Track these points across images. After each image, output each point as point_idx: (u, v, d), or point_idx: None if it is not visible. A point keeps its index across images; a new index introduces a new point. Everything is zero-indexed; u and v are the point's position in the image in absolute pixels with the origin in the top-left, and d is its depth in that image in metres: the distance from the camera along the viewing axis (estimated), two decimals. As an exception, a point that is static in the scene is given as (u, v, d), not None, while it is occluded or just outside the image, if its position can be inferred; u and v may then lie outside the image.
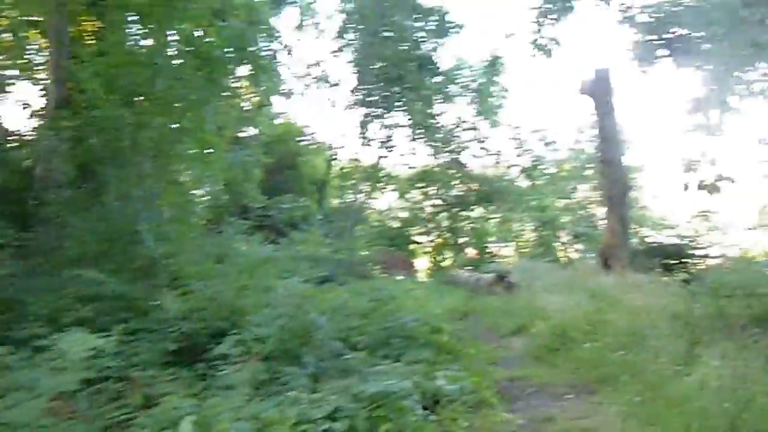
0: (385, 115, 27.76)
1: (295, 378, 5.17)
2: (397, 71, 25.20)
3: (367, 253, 14.38)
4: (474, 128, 30.04)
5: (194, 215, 11.66)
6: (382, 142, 28.62)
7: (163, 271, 7.40)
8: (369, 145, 28.52)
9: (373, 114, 27.48)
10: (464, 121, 30.18)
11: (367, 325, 7.33)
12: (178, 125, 9.53)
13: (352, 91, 26.89)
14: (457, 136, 30.22)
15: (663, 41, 9.74)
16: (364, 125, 27.99)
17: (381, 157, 29.71)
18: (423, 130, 29.27)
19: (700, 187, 5.31)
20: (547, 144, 30.76)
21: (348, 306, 8.16)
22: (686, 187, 5.41)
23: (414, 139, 30.27)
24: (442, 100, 28.41)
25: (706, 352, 6.25)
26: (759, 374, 5.32)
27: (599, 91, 17.99)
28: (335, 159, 28.18)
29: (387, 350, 6.60)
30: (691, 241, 23.20)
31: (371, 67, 25.65)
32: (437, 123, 28.41)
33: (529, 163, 30.62)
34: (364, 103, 26.85)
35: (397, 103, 27.02)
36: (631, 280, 12.84)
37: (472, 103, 29.37)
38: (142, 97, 9.06)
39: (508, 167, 30.89)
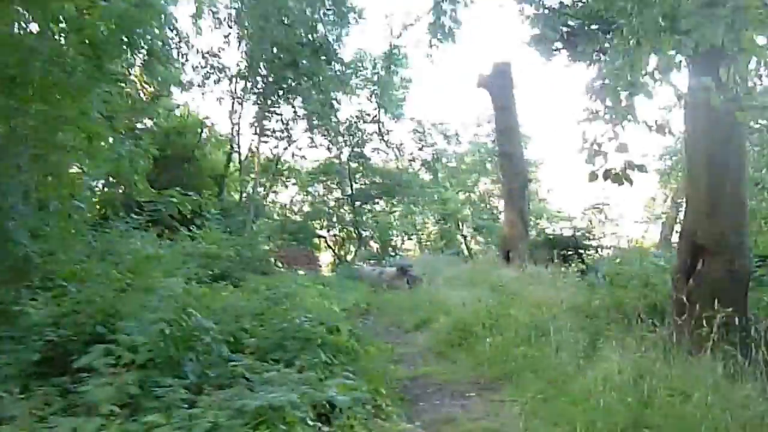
0: (280, 104, 26.96)
1: (172, 391, 4.59)
2: (290, 57, 24.44)
3: (267, 248, 13.56)
4: (376, 121, 29.85)
5: (79, 210, 10.65)
6: (280, 133, 27.88)
7: (36, 271, 6.56)
8: (267, 136, 27.71)
9: (270, 105, 26.61)
10: (366, 114, 29.98)
11: (260, 327, 6.82)
12: (58, 113, 8.58)
13: (245, 79, 25.86)
14: (359, 129, 29.96)
15: (564, 29, 9.80)
16: (260, 116, 27.11)
17: (281, 149, 29.07)
18: (321, 122, 28.80)
19: (607, 176, 5.16)
20: (448, 137, 31.10)
21: (240, 306, 7.61)
22: (593, 177, 5.25)
23: (313, 131, 29.76)
24: (341, 92, 27.99)
25: (607, 345, 6.21)
26: (658, 367, 5.32)
27: (498, 85, 18.20)
28: (235, 152, 27.07)
29: (280, 354, 6.11)
30: (586, 233, 24.28)
31: (264, 55, 24.84)
32: (335, 114, 27.98)
33: (431, 156, 30.87)
34: (260, 92, 25.95)
35: (291, 93, 26.28)
36: (531, 273, 13.01)
37: (374, 95, 29.07)
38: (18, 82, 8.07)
39: (410, 160, 31.01)
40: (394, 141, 30.76)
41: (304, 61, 24.45)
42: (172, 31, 22.27)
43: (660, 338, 6.95)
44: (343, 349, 6.74)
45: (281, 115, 27.57)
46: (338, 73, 26.79)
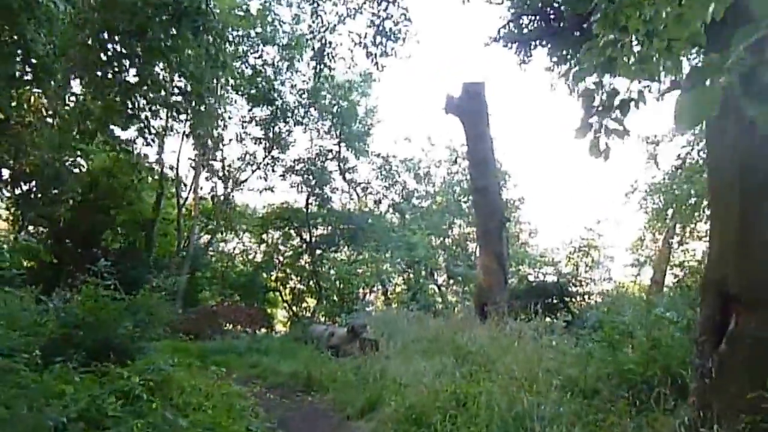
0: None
1: None
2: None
3: (172, 309, 11.47)
4: (338, 158, 28.26)
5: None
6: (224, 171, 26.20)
7: None
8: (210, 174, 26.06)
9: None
10: (327, 150, 28.41)
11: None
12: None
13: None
14: (320, 167, 28.31)
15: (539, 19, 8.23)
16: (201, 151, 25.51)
17: (227, 189, 27.31)
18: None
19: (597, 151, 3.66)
20: (418, 175, 29.55)
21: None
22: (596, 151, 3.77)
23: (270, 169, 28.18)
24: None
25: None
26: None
27: (470, 109, 16.73)
28: (169, 194, 25.18)
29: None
30: (572, 278, 22.84)
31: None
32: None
33: (399, 196, 29.28)
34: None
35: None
36: (510, 330, 11.23)
37: (334, 128, 27.52)
38: None
39: (376, 202, 29.35)
40: (358, 180, 29.28)
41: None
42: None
43: (682, 425, 5.35)
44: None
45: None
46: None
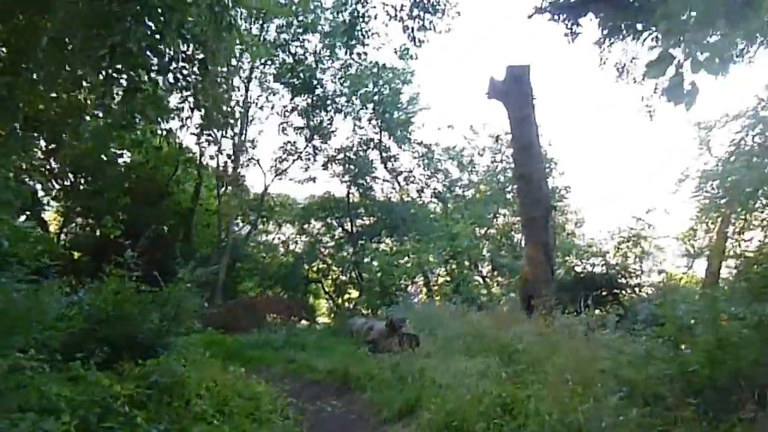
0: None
1: None
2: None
3: (197, 301, 10.93)
4: (380, 147, 27.68)
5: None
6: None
7: None
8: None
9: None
10: (368, 139, 27.86)
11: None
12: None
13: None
14: (361, 157, 27.80)
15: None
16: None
17: (268, 179, 27.11)
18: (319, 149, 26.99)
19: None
20: (461, 164, 28.74)
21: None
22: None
23: (312, 159, 27.82)
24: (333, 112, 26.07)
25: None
26: None
27: (514, 93, 15.90)
28: (220, 185, 25.02)
29: None
30: (621, 270, 21.81)
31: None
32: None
33: (442, 186, 28.55)
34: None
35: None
36: (558, 325, 10.46)
37: (376, 116, 26.90)
38: None
39: (419, 191, 28.69)
40: (400, 169, 28.66)
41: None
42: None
43: None
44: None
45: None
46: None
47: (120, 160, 25.93)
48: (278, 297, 21.25)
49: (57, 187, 25.77)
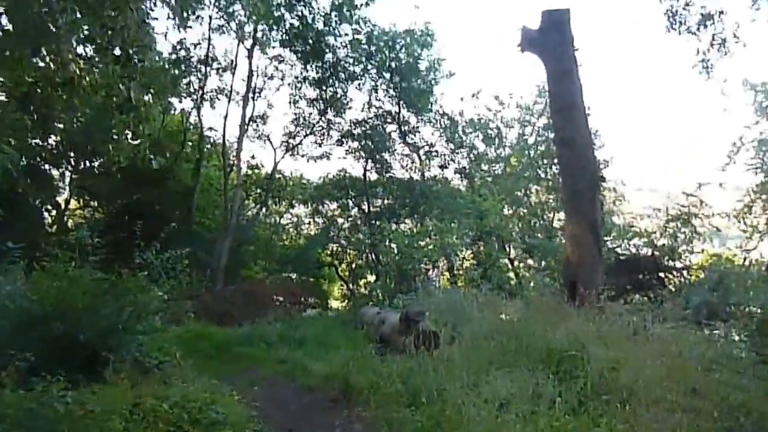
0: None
1: None
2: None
3: (161, 294, 8.71)
4: (398, 119, 25.37)
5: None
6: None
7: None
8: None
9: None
10: (386, 112, 25.57)
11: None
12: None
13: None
14: (379, 131, 25.55)
15: None
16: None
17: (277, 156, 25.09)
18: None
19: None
20: (488, 137, 26.27)
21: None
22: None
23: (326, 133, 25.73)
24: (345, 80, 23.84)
25: None
26: None
27: (552, 42, 13.47)
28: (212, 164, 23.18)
29: None
30: (668, 251, 19.73)
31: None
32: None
33: (467, 160, 26.15)
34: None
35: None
36: (617, 321, 8.22)
37: (393, 86, 24.58)
38: None
39: (441, 167, 26.32)
40: (420, 143, 26.31)
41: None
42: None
43: None
44: None
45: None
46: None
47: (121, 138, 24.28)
48: (284, 282, 19.16)
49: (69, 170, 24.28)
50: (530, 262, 23.18)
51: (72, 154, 23.44)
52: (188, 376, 7.41)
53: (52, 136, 22.71)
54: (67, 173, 24.27)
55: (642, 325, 8.13)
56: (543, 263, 21.35)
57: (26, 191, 22.08)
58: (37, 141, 22.33)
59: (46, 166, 23.46)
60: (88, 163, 24.24)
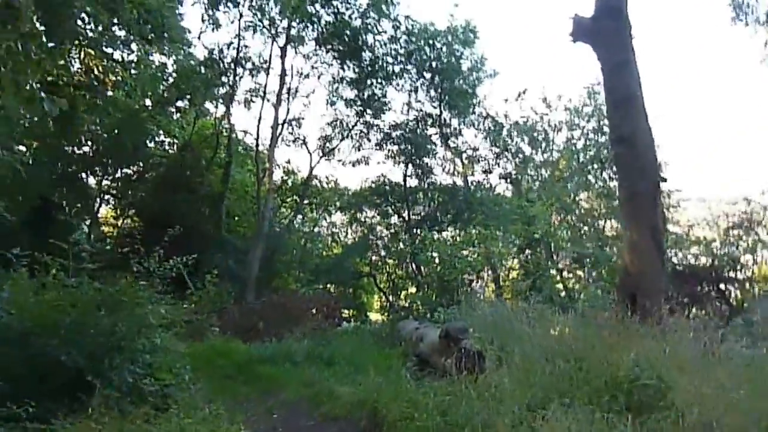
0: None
1: None
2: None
3: (146, 311, 7.68)
4: (439, 121, 24.41)
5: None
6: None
7: None
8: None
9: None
10: (427, 115, 24.66)
11: None
12: None
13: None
14: (419, 134, 24.66)
15: None
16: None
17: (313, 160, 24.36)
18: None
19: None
20: (534, 140, 25.06)
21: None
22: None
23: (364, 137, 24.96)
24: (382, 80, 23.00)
25: None
26: None
27: (607, 30, 12.31)
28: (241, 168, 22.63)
29: None
30: (729, 261, 18.68)
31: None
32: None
33: (513, 165, 24.99)
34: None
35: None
36: (678, 336, 7.10)
37: (434, 86, 23.66)
38: None
39: (485, 172, 25.23)
40: (462, 147, 25.33)
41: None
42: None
43: None
44: None
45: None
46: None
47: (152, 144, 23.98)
48: (318, 294, 18.31)
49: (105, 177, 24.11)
50: (579, 272, 21.95)
51: (106, 161, 23.16)
52: (195, 402, 6.53)
53: (88, 143, 22.53)
54: (104, 181, 24.16)
55: (714, 344, 7.04)
56: (592, 274, 20.17)
57: (62, 199, 21.81)
58: (72, 149, 22.13)
59: (82, 175, 23.26)
60: (119, 170, 24.01)
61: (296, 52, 23.17)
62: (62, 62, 16.57)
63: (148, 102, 22.85)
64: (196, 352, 10.45)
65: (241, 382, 9.09)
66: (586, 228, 24.08)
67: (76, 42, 16.41)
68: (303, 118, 24.52)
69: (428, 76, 23.65)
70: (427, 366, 8.90)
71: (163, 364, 7.58)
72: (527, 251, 19.33)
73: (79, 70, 17.40)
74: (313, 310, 15.15)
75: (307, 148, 24.92)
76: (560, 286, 20.63)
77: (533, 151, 25.47)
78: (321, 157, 24.90)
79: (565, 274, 22.01)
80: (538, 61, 42.00)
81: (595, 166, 23.99)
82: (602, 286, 16.55)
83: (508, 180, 25.06)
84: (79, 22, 16.17)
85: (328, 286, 22.63)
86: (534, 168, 25.68)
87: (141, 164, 23.64)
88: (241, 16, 21.50)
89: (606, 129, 23.88)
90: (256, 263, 19.35)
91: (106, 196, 24.34)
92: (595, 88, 23.40)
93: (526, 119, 24.79)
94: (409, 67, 23.42)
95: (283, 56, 22.09)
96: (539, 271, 17.68)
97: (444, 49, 23.04)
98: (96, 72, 17.72)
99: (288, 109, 23.30)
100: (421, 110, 24.69)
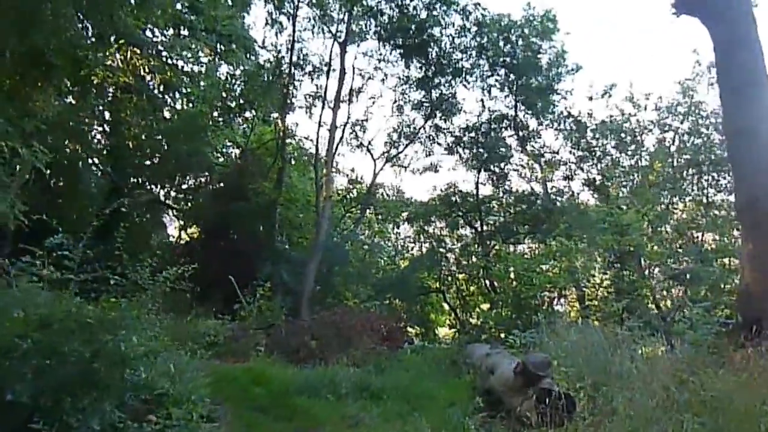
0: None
1: None
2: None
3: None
4: (515, 123, 22.80)
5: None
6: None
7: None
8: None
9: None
10: (500, 115, 23.13)
11: None
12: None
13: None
14: (493, 137, 23.19)
15: None
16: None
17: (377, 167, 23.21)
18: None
19: None
20: (622, 143, 23.01)
21: None
22: None
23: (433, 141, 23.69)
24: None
25: None
26: None
27: (720, 1, 10.56)
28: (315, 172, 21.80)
29: None
30: None
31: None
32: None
33: (598, 171, 23.08)
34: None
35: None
36: None
37: (509, 84, 22.12)
38: None
39: (567, 178, 23.47)
40: (541, 151, 23.67)
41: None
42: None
43: None
44: None
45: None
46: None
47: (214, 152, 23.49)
48: (377, 311, 17.09)
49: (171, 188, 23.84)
50: (673, 291, 19.74)
51: (169, 170, 22.73)
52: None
53: (147, 151, 22.09)
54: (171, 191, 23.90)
55: None
56: (688, 293, 17.96)
57: (132, 210, 21.38)
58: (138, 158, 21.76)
59: (150, 186, 22.92)
60: (183, 180, 23.59)
61: (358, 47, 22.29)
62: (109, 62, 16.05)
63: (215, 113, 22.36)
64: (229, 376, 9.29)
65: (273, 417, 7.73)
66: (680, 240, 21.87)
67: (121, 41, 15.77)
68: (366, 120, 23.53)
69: (502, 72, 22.27)
70: (499, 406, 7.33)
71: (176, 394, 6.35)
72: (617, 265, 17.36)
73: (126, 70, 16.73)
74: (370, 330, 13.75)
75: (370, 154, 23.86)
76: (653, 306, 18.53)
77: (621, 155, 23.43)
78: (385, 163, 23.80)
79: (658, 293, 19.86)
80: (628, 53, 38.45)
81: (692, 171, 21.82)
82: (708, 307, 14.47)
83: (593, 186, 23.11)
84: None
85: (394, 302, 21.37)
86: (623, 173, 23.63)
87: (207, 173, 23.10)
88: (296, 10, 20.65)
89: (704, 130, 21.85)
90: (312, 276, 18.25)
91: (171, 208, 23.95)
92: (689, 83, 21.34)
93: (613, 119, 22.81)
94: (480, 62, 22.08)
95: (342, 54, 21.01)
96: (636, 289, 15.72)
97: (519, 42, 21.59)
98: (142, 72, 17.13)
99: (349, 113, 22.28)
100: (495, 110, 23.36)
